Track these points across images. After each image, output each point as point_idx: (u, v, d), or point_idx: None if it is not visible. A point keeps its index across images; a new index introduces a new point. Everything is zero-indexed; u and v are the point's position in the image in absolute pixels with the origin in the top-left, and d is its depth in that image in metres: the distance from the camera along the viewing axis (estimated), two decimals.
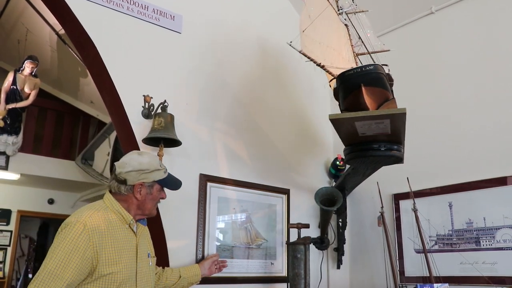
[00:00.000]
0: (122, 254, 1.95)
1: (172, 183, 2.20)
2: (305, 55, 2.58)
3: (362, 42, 2.77)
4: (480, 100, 3.18)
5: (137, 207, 2.09)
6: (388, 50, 2.85)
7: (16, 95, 6.82)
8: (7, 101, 6.74)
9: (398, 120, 2.41)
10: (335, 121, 2.52)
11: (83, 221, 1.87)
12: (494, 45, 3.16)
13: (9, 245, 8.43)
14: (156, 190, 2.13)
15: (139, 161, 2.07)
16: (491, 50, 3.17)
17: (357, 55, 2.80)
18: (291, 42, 2.59)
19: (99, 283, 1.88)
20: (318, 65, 2.58)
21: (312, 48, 2.63)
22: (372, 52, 2.78)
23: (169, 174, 2.18)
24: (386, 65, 2.62)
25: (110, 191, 2.09)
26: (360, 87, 2.39)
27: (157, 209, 2.72)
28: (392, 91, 2.60)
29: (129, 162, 2.07)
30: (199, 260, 2.87)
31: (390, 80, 2.62)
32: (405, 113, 2.36)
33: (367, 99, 2.40)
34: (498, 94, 3.09)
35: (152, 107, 2.83)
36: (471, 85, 3.24)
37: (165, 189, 2.19)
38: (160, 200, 2.19)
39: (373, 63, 2.48)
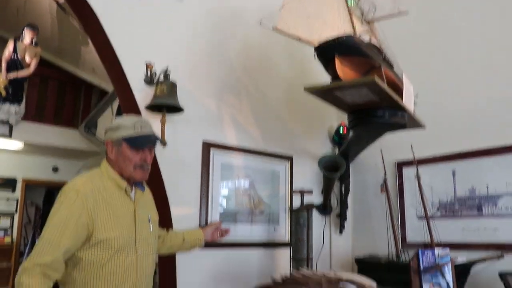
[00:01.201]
0: (118, 220, 1.96)
1: (138, 141, 2.01)
2: (279, 31, 2.53)
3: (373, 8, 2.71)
4: (485, 68, 3.14)
5: (117, 167, 2.02)
6: (406, 13, 2.76)
7: (17, 64, 6.77)
8: (8, 70, 6.69)
9: (376, 88, 2.37)
10: (312, 92, 2.53)
11: (76, 188, 1.89)
12: (503, 13, 3.10)
13: (15, 212, 8.57)
14: (126, 148, 1.99)
15: (114, 121, 2.08)
16: (500, 18, 3.11)
17: (371, 22, 2.74)
18: (260, 21, 2.54)
19: (97, 248, 1.90)
20: (296, 38, 2.53)
21: (296, 23, 2.55)
22: (387, 17, 2.71)
23: (143, 135, 2.02)
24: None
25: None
26: (334, 58, 2.37)
27: (158, 168, 2.74)
28: (388, 61, 2.57)
29: (108, 124, 2.08)
30: (203, 226, 2.90)
31: (379, 49, 2.58)
32: (374, 81, 2.30)
33: (344, 70, 2.39)
34: (504, 62, 3.06)
35: (154, 75, 2.81)
36: (477, 53, 3.20)
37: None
38: (145, 163, 2.04)
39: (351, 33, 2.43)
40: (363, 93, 2.46)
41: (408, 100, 2.64)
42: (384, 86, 2.37)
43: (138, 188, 2.12)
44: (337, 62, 2.36)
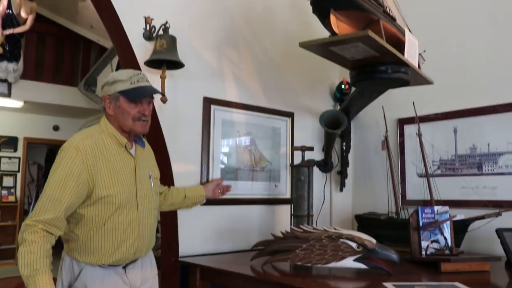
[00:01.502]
0: (119, 177, 1.96)
1: (135, 93, 1.99)
2: None
3: None
4: (488, 24, 3.07)
5: (117, 123, 2.02)
6: None
7: (12, 20, 6.62)
8: (4, 27, 6.56)
9: (371, 42, 2.31)
10: (307, 48, 2.50)
11: (75, 145, 1.89)
12: None
13: (18, 172, 8.64)
14: (123, 102, 1.98)
15: (108, 75, 2.05)
16: None
17: None
18: None
19: (98, 205, 1.92)
20: None
21: None
22: None
23: (139, 87, 2.00)
24: None
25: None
26: (329, 12, 2.31)
27: (158, 125, 2.73)
28: (389, 14, 2.50)
29: (103, 80, 2.06)
30: (204, 183, 2.92)
31: (379, 2, 2.50)
32: (367, 35, 2.22)
33: (340, 25, 2.32)
34: (507, 19, 2.98)
35: (153, 29, 2.75)
36: (481, 9, 3.11)
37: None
38: (143, 116, 2.02)
39: None
40: (360, 48, 2.40)
41: (411, 55, 2.59)
42: (380, 40, 2.31)
43: (138, 145, 2.12)
44: (332, 17, 2.29)
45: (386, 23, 2.47)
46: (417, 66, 2.68)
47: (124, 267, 2.05)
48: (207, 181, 2.94)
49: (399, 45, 2.52)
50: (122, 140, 2.02)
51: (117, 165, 1.98)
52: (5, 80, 6.92)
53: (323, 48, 2.48)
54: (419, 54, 2.83)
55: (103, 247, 1.95)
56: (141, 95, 2.02)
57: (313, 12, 2.41)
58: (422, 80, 2.91)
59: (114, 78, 2.01)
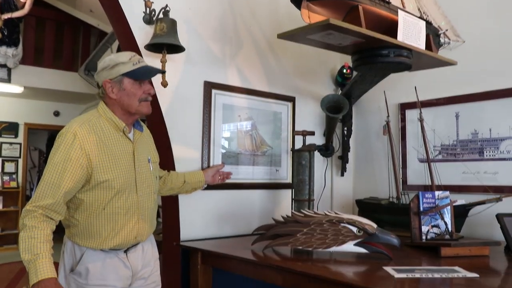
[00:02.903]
0: (117, 161, 1.96)
1: (140, 73, 2.00)
2: None
3: None
4: (491, 7, 3.03)
5: (120, 108, 2.01)
6: None
7: (10, 4, 6.57)
8: (2, 11, 6.50)
9: (340, 29, 2.31)
10: (284, 39, 2.56)
11: (73, 130, 1.89)
12: None
13: (19, 157, 8.65)
14: (128, 84, 1.98)
15: (104, 60, 2.02)
16: None
17: None
18: None
19: (97, 190, 1.93)
20: None
21: None
22: None
23: (142, 66, 2.00)
24: None
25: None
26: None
27: (159, 109, 2.72)
28: None
29: (99, 64, 2.03)
30: (205, 168, 2.91)
31: None
32: (328, 24, 2.22)
33: (312, 15, 2.34)
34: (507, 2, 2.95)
35: (153, 13, 2.72)
36: None
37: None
38: (149, 95, 2.04)
39: None
40: (337, 36, 2.40)
41: (410, 37, 2.54)
42: (351, 26, 2.28)
43: (136, 129, 2.11)
44: (303, 9, 2.31)
45: (372, 8, 2.43)
46: (423, 47, 2.62)
47: (126, 251, 2.06)
48: (208, 166, 2.94)
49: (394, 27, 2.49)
50: (120, 124, 2.01)
51: (115, 149, 1.98)
52: (4, 65, 6.90)
53: (303, 38, 2.50)
54: (442, 33, 2.75)
55: (103, 231, 1.96)
56: (147, 74, 2.04)
57: (291, 1, 2.42)
58: (433, 62, 2.84)
59: (114, 61, 1.99)
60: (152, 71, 2.07)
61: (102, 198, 1.94)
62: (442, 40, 2.87)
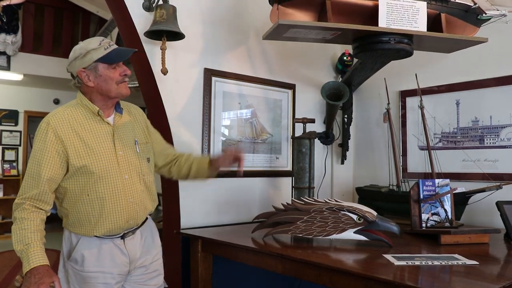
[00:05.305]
0: (94, 146, 1.95)
1: (114, 56, 1.97)
2: None
3: None
4: None
5: (99, 94, 2.00)
6: None
7: None
8: None
9: (303, 27, 2.40)
10: (266, 39, 2.64)
11: (47, 120, 1.93)
12: None
13: (19, 145, 8.65)
14: (103, 69, 1.96)
15: (73, 50, 2.00)
16: None
17: None
18: None
19: (77, 176, 1.94)
20: None
21: None
22: None
23: (114, 49, 1.98)
24: None
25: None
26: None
27: (159, 97, 2.71)
28: None
29: (70, 54, 2.01)
30: (205, 154, 2.91)
31: None
32: (280, 24, 2.35)
33: (284, 16, 2.44)
34: None
35: None
36: None
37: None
38: (125, 76, 2.01)
39: None
40: (309, 32, 2.47)
41: (401, 22, 2.47)
42: (297, 22, 2.39)
43: (118, 112, 2.10)
44: (272, 10, 2.42)
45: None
46: (423, 29, 2.53)
47: (123, 238, 2.05)
48: (209, 152, 2.94)
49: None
50: (94, 108, 1.99)
51: (91, 134, 1.97)
52: (3, 53, 6.87)
53: (281, 37, 2.59)
54: (474, 8, 2.56)
55: (92, 217, 1.96)
56: (121, 56, 2.01)
57: (269, 2, 2.50)
58: (460, 43, 2.70)
59: (85, 49, 1.96)
60: (126, 53, 2.05)
61: (84, 184, 1.94)
62: (484, 15, 2.61)
